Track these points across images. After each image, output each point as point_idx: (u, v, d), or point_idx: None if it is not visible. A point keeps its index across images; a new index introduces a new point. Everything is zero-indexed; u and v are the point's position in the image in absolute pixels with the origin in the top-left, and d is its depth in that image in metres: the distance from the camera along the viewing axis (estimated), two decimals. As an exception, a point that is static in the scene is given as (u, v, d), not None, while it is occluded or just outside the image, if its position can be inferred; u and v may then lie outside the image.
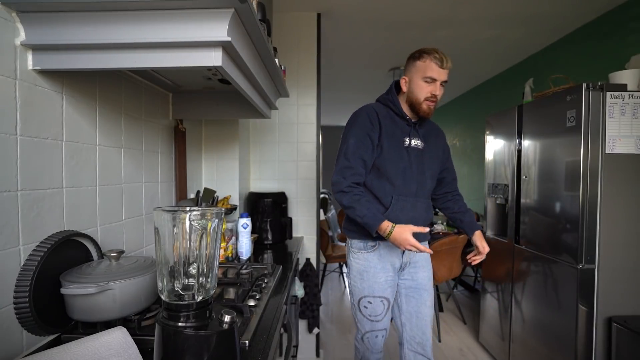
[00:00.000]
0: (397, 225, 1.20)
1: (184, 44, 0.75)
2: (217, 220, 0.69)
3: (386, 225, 1.20)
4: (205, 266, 0.68)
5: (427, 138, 1.40)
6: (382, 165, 1.31)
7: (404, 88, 1.35)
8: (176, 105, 1.45)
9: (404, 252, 1.38)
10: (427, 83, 1.28)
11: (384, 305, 1.38)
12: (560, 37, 2.67)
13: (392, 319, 1.47)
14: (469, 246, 3.38)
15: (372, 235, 1.26)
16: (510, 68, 3.40)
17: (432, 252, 1.26)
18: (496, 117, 2.27)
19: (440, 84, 1.28)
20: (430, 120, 1.45)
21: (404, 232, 1.18)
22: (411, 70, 1.32)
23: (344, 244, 3.82)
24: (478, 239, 1.43)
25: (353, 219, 1.30)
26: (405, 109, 1.36)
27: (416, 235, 1.23)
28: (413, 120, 1.37)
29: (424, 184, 1.37)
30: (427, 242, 1.44)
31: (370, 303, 1.38)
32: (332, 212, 4.87)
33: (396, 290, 1.43)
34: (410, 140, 1.34)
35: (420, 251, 1.19)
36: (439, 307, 2.96)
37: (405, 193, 1.33)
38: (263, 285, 1.17)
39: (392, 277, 1.38)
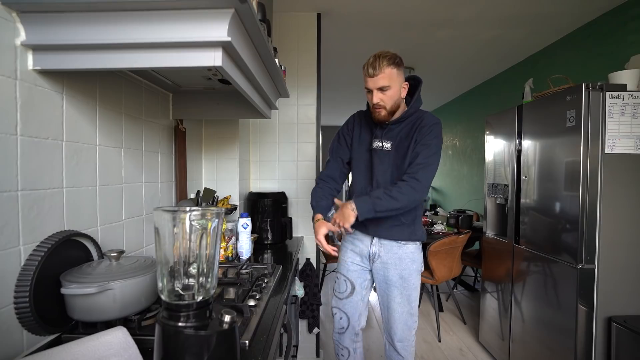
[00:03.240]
0: (317, 221, 1.42)
1: (184, 44, 0.75)
2: (217, 220, 0.69)
3: (316, 218, 1.44)
4: (205, 266, 0.68)
5: (397, 139, 1.40)
6: (352, 164, 1.53)
7: None
8: (176, 105, 1.45)
9: (372, 242, 1.47)
10: (368, 94, 1.35)
11: (347, 286, 1.53)
12: (560, 37, 2.67)
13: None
14: (469, 246, 3.39)
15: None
16: (510, 68, 3.40)
17: (334, 253, 1.38)
18: (496, 117, 2.27)
19: (379, 90, 1.29)
20: (415, 117, 1.39)
21: (318, 228, 1.38)
22: None
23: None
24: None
25: None
26: None
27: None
28: (387, 123, 1.39)
29: (382, 179, 1.42)
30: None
31: (338, 279, 1.59)
32: (332, 212, 4.87)
33: (372, 282, 1.55)
34: (375, 143, 1.43)
35: (323, 248, 1.37)
36: (439, 307, 2.96)
37: (364, 185, 1.47)
38: (263, 285, 1.17)
39: (359, 263, 1.51)
